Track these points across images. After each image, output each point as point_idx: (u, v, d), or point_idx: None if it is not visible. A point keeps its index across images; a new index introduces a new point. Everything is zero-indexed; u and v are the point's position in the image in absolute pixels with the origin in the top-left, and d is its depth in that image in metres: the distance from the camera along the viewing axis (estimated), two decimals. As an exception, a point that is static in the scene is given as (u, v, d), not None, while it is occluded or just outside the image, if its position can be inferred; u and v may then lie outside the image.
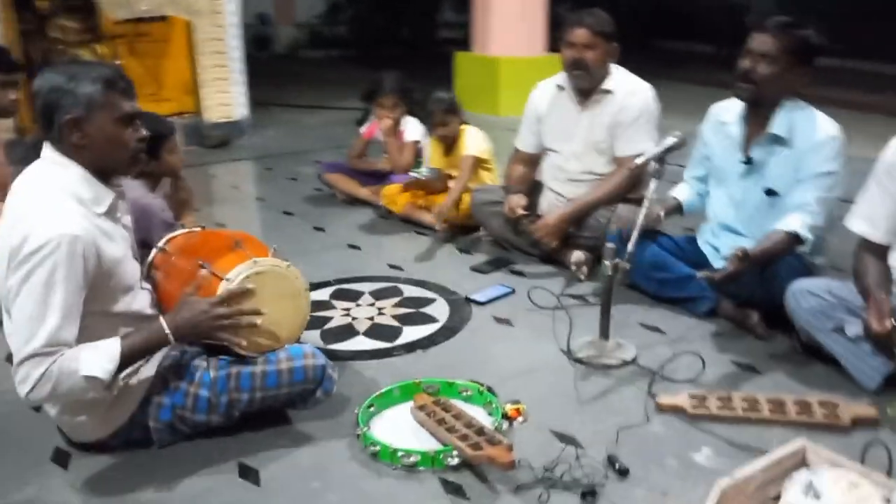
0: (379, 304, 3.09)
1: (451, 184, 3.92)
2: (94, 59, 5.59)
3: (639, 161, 2.52)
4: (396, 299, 3.13)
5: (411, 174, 4.25)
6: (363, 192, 4.39)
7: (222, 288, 2.07)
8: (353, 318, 2.95)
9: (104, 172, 1.99)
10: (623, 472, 2.00)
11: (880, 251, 2.49)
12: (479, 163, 3.90)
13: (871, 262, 2.46)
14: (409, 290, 3.21)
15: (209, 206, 4.36)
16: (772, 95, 2.74)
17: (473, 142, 3.89)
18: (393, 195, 4.06)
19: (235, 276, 2.09)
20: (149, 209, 2.55)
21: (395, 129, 4.26)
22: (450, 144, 3.98)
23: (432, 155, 4.09)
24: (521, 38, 6.88)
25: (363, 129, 4.48)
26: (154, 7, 5.15)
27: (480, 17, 7.04)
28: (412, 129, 4.29)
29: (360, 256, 3.62)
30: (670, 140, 2.60)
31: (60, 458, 2.13)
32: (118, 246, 2.02)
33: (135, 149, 1.99)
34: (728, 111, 2.93)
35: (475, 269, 3.42)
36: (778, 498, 1.73)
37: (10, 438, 2.25)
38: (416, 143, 4.29)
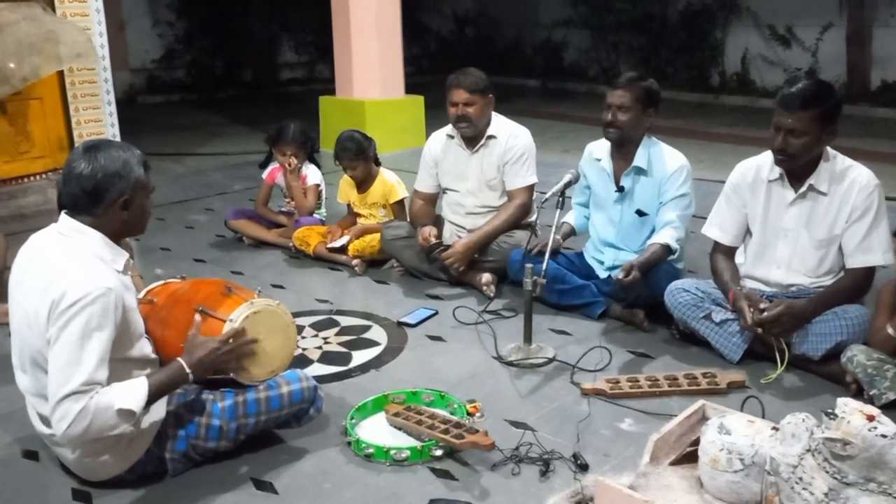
0: (322, 334, 3.45)
1: (362, 221, 4.40)
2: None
3: (547, 196, 3.09)
4: (336, 329, 3.50)
5: (315, 216, 4.65)
6: (269, 234, 4.70)
7: (227, 328, 2.38)
8: (304, 349, 3.29)
9: (120, 236, 2.28)
10: (584, 468, 2.40)
11: (730, 252, 3.23)
12: (403, 203, 4.38)
13: (724, 262, 3.19)
14: (345, 320, 3.60)
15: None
16: (632, 136, 3.43)
17: (399, 187, 4.36)
18: (304, 237, 4.41)
19: (237, 316, 2.41)
20: None
21: (297, 174, 4.61)
22: (361, 183, 4.39)
23: (345, 190, 4.47)
24: (382, 82, 7.41)
25: (265, 174, 4.79)
26: (33, 70, 5.13)
27: (342, 62, 7.50)
28: (313, 173, 4.67)
29: (287, 294, 3.94)
30: (567, 176, 3.21)
31: (83, 497, 2.34)
32: (133, 298, 2.30)
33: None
34: (599, 150, 3.59)
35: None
36: (693, 444, 2.31)
37: (20, 488, 2.41)
38: (318, 186, 4.67)
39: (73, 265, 2.15)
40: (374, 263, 4.28)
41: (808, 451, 1.93)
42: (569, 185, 3.21)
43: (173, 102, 11.70)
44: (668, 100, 9.92)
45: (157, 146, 8.08)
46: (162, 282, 2.77)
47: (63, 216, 2.25)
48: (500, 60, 12.63)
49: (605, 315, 3.51)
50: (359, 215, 4.43)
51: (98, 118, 5.95)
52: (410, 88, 7.87)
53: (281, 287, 4.07)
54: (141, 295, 2.65)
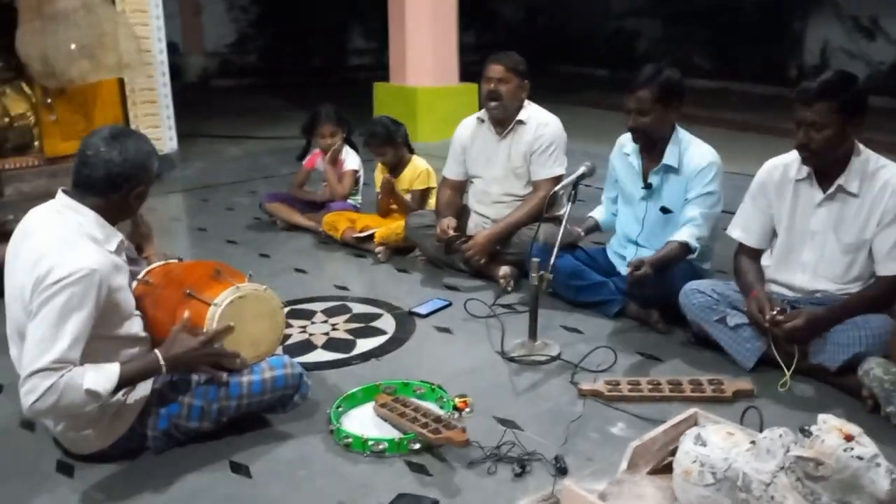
0: (332, 320, 3.45)
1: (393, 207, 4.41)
2: (22, 98, 5.78)
3: (558, 188, 2.99)
4: (347, 316, 3.50)
5: (349, 202, 4.66)
6: (302, 219, 4.73)
7: (211, 312, 2.39)
8: (311, 335, 3.30)
9: (118, 220, 2.32)
10: (563, 471, 2.32)
11: (755, 254, 3.06)
12: (427, 193, 4.35)
13: (748, 263, 3.03)
14: (357, 308, 3.59)
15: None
16: (659, 135, 3.27)
17: (426, 175, 4.37)
18: (333, 222, 4.42)
19: (222, 300, 2.41)
20: None
21: (336, 158, 4.63)
22: (393, 168, 4.39)
23: (379, 177, 4.49)
24: (435, 69, 7.37)
25: (305, 161, 4.83)
26: (81, 75, 5.30)
27: (397, 49, 7.50)
28: (351, 159, 4.68)
29: (307, 279, 3.96)
30: (581, 169, 3.10)
31: (65, 469, 2.40)
32: (123, 278, 2.33)
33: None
34: (629, 143, 3.44)
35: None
36: (673, 453, 2.19)
37: (12, 456, 2.50)
38: (355, 171, 4.68)
39: (61, 243, 2.19)
40: (400, 251, 4.25)
41: (782, 468, 1.80)
42: (582, 177, 3.10)
43: (244, 86, 11.96)
44: (739, 92, 9.59)
45: (218, 128, 8.27)
46: (162, 262, 2.80)
47: (60, 193, 2.30)
48: (570, 50, 12.40)
49: (622, 314, 3.39)
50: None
51: (152, 99, 6.11)
52: (476, 77, 7.77)
53: (303, 271, 4.09)
54: (141, 275, 2.69)
